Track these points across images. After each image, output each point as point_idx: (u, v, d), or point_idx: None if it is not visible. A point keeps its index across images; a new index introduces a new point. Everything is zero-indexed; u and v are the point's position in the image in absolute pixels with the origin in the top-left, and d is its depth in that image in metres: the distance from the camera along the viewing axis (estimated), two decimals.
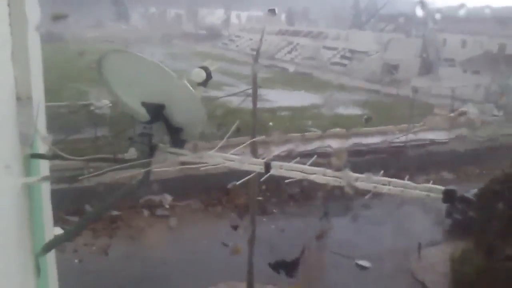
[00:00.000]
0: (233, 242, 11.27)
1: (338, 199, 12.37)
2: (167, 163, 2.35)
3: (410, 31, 42.66)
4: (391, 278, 10.48)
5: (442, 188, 1.64)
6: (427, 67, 34.61)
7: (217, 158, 2.17)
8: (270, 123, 16.82)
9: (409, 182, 1.79)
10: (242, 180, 2.14)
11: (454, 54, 35.80)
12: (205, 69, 2.52)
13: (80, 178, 2.54)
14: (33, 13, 2.16)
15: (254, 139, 7.01)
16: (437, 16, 42.98)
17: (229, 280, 10.05)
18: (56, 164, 2.54)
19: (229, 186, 12.79)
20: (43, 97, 2.63)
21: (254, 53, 9.42)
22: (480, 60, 31.92)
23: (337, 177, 1.89)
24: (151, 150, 2.33)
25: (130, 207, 12.48)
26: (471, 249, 10.11)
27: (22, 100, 1.96)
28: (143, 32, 48.84)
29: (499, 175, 9.62)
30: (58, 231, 2.73)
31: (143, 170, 2.27)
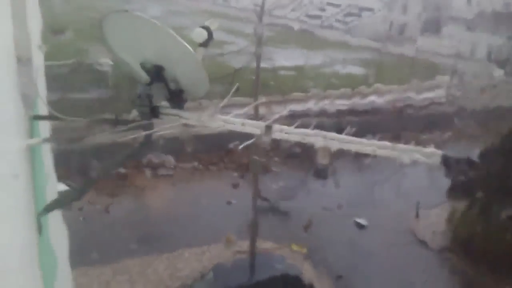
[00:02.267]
0: (235, 201, 11.47)
1: (340, 159, 12.51)
2: (169, 125, 2.36)
3: None
4: (389, 236, 10.68)
5: (439, 152, 1.65)
6: (431, 26, 33.95)
7: (218, 121, 2.18)
8: (272, 83, 16.71)
9: (410, 146, 1.79)
10: (245, 143, 2.15)
11: (459, 12, 35.01)
12: (207, 29, 2.47)
13: (81, 140, 2.55)
14: None
15: (257, 102, 6.98)
16: None
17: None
18: (58, 124, 2.54)
19: (231, 146, 12.87)
20: (42, 58, 2.61)
21: (258, 9, 9.21)
22: (485, 19, 31.25)
23: (336, 140, 1.91)
24: (152, 111, 2.33)
25: (133, 167, 12.60)
26: (469, 209, 10.26)
27: (23, 61, 1.95)
28: None
29: (502, 136, 9.64)
30: (62, 187, 2.76)
31: (144, 132, 2.28)
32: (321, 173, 12.88)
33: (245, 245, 9.61)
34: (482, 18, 32.04)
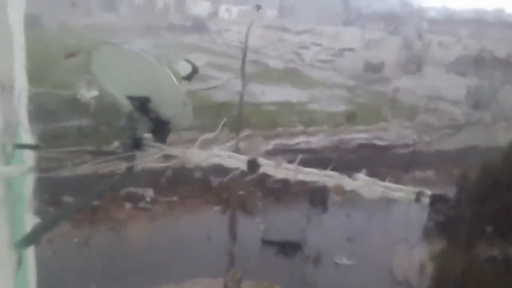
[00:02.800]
0: (217, 236, 11.30)
1: (320, 196, 12.51)
2: (151, 158, 2.34)
3: (396, 31, 42.98)
4: (371, 276, 10.60)
5: (418, 190, 1.66)
6: (411, 67, 34.97)
7: (203, 155, 2.17)
8: (254, 120, 16.81)
9: (395, 185, 1.80)
10: (227, 177, 2.14)
11: (439, 55, 36.20)
12: (191, 62, 2.50)
13: (62, 168, 2.51)
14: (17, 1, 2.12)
15: (240, 137, 7.02)
16: (424, 17, 43.42)
17: (209, 274, 10.06)
18: (38, 153, 2.51)
19: (213, 180, 12.82)
20: (26, 86, 2.58)
21: (242, 46, 9.39)
22: (463, 62, 32.36)
23: (327, 176, 1.91)
24: (135, 143, 2.31)
25: (111, 199, 12.38)
26: (451, 249, 10.27)
27: (5, 88, 1.93)
28: (130, 22, 48.32)
29: (478, 174, 9.78)
30: (35, 220, 2.70)
31: (126, 164, 2.25)
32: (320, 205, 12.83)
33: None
34: (460, 61, 33.15)
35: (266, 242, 10.87)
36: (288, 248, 10.97)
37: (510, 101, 20.92)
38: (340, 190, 2.01)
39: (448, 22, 44.95)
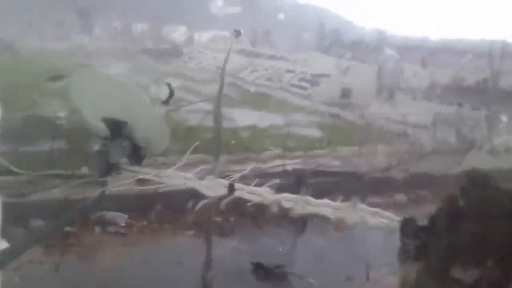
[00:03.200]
0: (190, 262, 11.12)
1: (294, 220, 12.49)
2: (125, 182, 2.33)
3: (369, 59, 44.09)
4: None
5: (396, 217, 1.70)
6: (384, 94, 35.83)
7: (178, 179, 2.17)
8: (233, 141, 16.86)
9: (367, 208, 1.84)
10: (203, 202, 2.15)
11: (411, 83, 37.22)
12: (168, 86, 2.53)
13: (34, 192, 2.48)
14: None
15: (216, 161, 7.03)
16: (396, 45, 44.74)
17: None
18: (9, 176, 2.48)
19: (187, 204, 12.66)
20: None
21: (218, 71, 9.49)
22: (435, 90, 33.37)
23: (294, 200, 1.93)
24: (109, 167, 2.30)
25: (82, 224, 12.09)
26: (421, 273, 10.36)
27: None
28: (107, 45, 48.19)
29: (448, 200, 9.96)
30: (4, 245, 2.63)
31: (99, 189, 2.23)
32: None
33: None
34: (430, 88, 34.16)
35: (255, 266, 10.74)
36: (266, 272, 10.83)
37: (479, 127, 21.59)
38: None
39: (420, 50, 46.37)
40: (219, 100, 8.59)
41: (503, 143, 18.49)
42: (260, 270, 10.74)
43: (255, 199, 1.65)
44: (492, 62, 31.22)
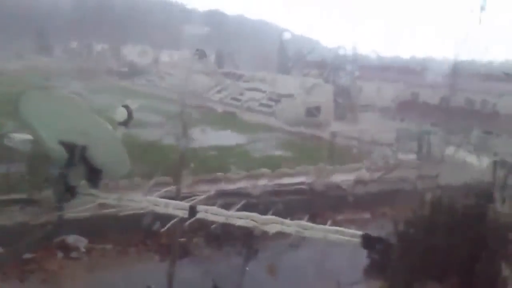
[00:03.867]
0: (154, 286, 10.85)
1: (260, 240, 12.44)
2: (85, 206, 2.25)
3: (331, 77, 45.05)
4: None
5: (359, 233, 1.70)
6: (343, 112, 36.59)
7: (141, 202, 2.11)
8: (192, 164, 16.68)
9: (331, 227, 1.84)
10: (168, 225, 2.09)
11: (370, 100, 38.18)
12: (127, 108, 2.47)
13: None
14: None
15: (179, 184, 6.93)
16: (357, 64, 45.89)
17: None
18: None
19: (151, 226, 12.42)
20: None
21: (181, 91, 9.43)
22: (395, 107, 34.31)
23: (263, 223, 1.91)
24: (67, 191, 2.22)
25: (43, 249, 11.63)
26: None
27: None
28: (65, 65, 47.36)
29: (412, 215, 10.14)
30: None
31: (57, 213, 2.14)
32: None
33: None
34: (392, 106, 35.09)
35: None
36: None
37: (438, 144, 22.25)
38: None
39: (380, 68, 47.72)
40: (182, 120, 8.53)
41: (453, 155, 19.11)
42: None
43: (219, 219, 1.62)
44: (454, 80, 32.42)
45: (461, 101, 37.61)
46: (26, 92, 2.12)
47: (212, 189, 13.90)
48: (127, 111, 2.33)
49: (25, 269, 10.86)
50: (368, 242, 1.46)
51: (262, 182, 16.63)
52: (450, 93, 36.50)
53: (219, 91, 45.50)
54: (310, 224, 1.78)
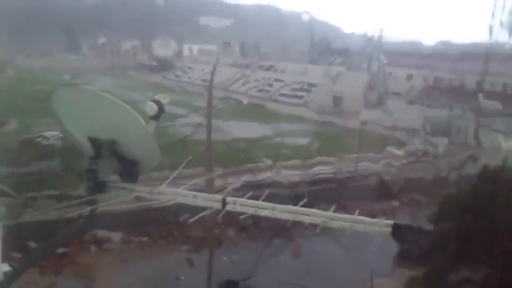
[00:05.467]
0: (184, 277, 11.01)
1: (289, 231, 12.46)
2: (119, 200, 2.29)
3: (359, 65, 44.33)
4: None
5: (390, 222, 1.69)
6: (374, 100, 35.96)
7: (171, 194, 2.14)
8: (222, 158, 16.77)
9: (359, 217, 1.83)
10: (197, 216, 2.12)
11: (399, 87, 37.44)
12: (157, 102, 2.49)
13: (25, 213, 2.45)
14: None
15: (210, 175, 6.98)
16: (383, 51, 45.00)
17: None
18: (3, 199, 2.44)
19: (181, 219, 12.58)
20: None
21: (207, 84, 9.50)
22: (424, 93, 33.58)
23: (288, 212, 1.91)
24: (98, 186, 2.25)
25: (77, 243, 11.95)
26: (420, 277, 10.28)
27: None
28: (95, 63, 48.22)
29: (447, 201, 9.94)
30: (6, 267, 2.58)
31: (88, 208, 2.19)
32: None
33: None
34: (419, 92, 34.35)
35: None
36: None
37: (468, 129, 21.70)
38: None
39: (406, 54, 46.71)
40: (209, 113, 8.58)
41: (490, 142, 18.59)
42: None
43: (248, 211, 1.65)
44: (486, 65, 31.48)
45: (496, 86, 36.53)
46: (58, 88, 2.17)
47: (241, 180, 13.98)
48: (158, 105, 2.36)
49: (60, 263, 11.18)
50: (398, 231, 1.46)
51: (290, 172, 16.61)
52: (482, 77, 35.47)
53: (245, 83, 45.48)
54: (336, 215, 1.78)
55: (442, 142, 21.71)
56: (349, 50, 49.25)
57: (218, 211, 2.04)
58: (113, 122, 2.24)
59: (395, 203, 16.46)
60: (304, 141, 23.94)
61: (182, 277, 11.18)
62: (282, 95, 40.68)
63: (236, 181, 12.26)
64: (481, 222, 7.10)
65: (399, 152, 19.63)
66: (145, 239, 12.91)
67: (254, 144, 22.57)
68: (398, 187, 16.69)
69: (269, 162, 17.38)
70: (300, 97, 39.10)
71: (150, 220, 12.59)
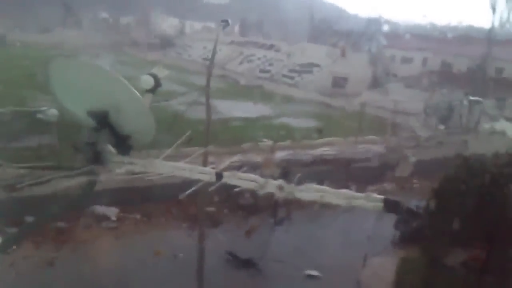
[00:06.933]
0: (182, 254, 11.11)
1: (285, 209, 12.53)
2: (114, 172, 2.29)
3: (360, 47, 44.07)
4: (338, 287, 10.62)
5: (381, 197, 1.69)
6: (375, 82, 35.86)
7: (166, 167, 2.14)
8: (220, 137, 16.80)
9: (352, 192, 1.83)
10: (191, 190, 2.12)
11: (401, 70, 37.27)
12: (154, 76, 2.48)
13: (21, 186, 2.45)
14: None
15: (206, 150, 6.98)
16: (385, 33, 44.62)
17: None
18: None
19: (180, 197, 12.61)
20: None
21: (207, 62, 9.43)
22: (424, 76, 33.43)
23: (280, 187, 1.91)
24: (96, 157, 2.26)
25: (74, 219, 12.02)
26: (416, 258, 10.39)
27: None
28: (93, 39, 47.74)
29: (440, 184, 9.99)
30: None
31: (86, 180, 2.20)
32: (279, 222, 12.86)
33: None
34: (419, 76, 34.21)
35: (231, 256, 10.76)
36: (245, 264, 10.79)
37: (471, 113, 21.70)
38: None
39: (408, 37, 46.34)
40: (207, 91, 8.54)
41: (490, 128, 18.61)
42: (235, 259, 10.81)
43: (243, 184, 1.65)
44: (488, 49, 31.29)
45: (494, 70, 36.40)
46: (54, 59, 2.15)
47: (238, 158, 13.99)
48: (154, 78, 2.34)
49: (57, 238, 11.25)
50: (390, 206, 1.46)
51: (288, 152, 16.63)
52: (483, 61, 35.32)
53: (243, 62, 45.18)
54: (332, 190, 1.78)
55: (439, 127, 21.78)
56: (351, 31, 48.86)
57: (212, 184, 2.05)
58: (108, 94, 2.23)
59: (392, 186, 16.54)
60: (303, 122, 23.96)
61: (181, 254, 11.27)
62: (283, 75, 40.51)
63: (233, 160, 12.27)
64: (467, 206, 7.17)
65: (397, 135, 19.66)
66: (141, 216, 12.99)
67: (252, 123, 22.58)
68: (403, 169, 16.76)
69: (267, 142, 17.38)
70: (301, 77, 38.93)
71: (147, 197, 12.64)
